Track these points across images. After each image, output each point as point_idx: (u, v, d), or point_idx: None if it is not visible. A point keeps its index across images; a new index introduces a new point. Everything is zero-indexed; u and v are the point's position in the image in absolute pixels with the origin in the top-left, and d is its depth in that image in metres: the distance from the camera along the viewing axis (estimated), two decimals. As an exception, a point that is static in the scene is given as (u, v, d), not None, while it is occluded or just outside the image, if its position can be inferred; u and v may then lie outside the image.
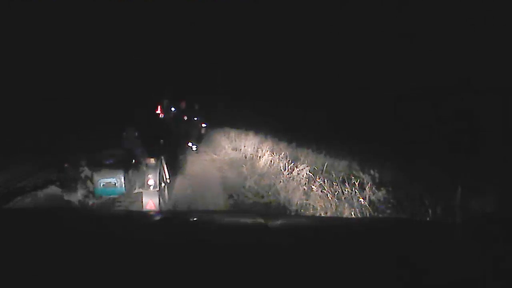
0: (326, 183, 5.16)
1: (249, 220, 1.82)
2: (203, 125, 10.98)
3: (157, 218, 1.85)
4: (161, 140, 9.00)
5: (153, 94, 10.53)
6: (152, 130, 7.90)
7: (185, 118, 10.10)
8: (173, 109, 9.69)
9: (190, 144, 10.24)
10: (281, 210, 5.14)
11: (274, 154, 8.02)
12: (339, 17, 12.99)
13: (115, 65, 14.61)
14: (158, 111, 9.41)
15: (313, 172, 5.95)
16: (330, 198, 4.79)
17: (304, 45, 14.14)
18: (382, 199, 4.79)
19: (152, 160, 4.52)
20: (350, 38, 12.11)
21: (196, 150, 10.28)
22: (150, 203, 4.49)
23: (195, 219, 1.75)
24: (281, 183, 6.05)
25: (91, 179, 4.32)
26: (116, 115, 7.63)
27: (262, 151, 8.61)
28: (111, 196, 4.54)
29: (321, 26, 13.48)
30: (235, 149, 9.86)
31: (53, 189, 4.85)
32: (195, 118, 10.35)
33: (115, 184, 4.25)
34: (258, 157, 8.42)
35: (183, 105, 10.13)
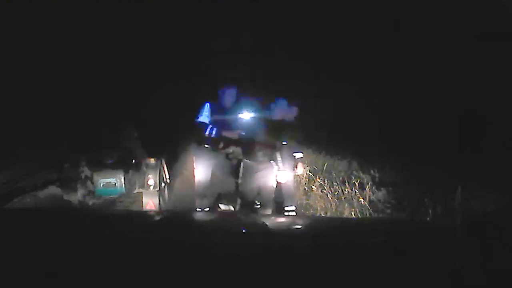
0: (326, 183, 5.15)
1: (249, 220, 1.82)
2: (298, 155, 4.35)
3: (157, 218, 1.86)
4: None
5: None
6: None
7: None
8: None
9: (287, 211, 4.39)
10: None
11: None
12: (340, 17, 12.97)
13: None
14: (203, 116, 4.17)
15: (313, 172, 5.94)
16: (330, 198, 4.78)
17: (307, 41, 14.03)
18: (382, 199, 4.80)
19: (152, 160, 4.53)
20: (350, 37, 12.09)
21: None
22: (150, 203, 4.49)
23: (195, 219, 1.76)
24: (281, 183, 6.03)
25: (91, 179, 4.32)
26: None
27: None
28: (111, 196, 4.55)
29: (320, 23, 13.45)
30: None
31: (53, 189, 4.84)
32: (284, 143, 4.18)
33: (115, 184, 4.26)
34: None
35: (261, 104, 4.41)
